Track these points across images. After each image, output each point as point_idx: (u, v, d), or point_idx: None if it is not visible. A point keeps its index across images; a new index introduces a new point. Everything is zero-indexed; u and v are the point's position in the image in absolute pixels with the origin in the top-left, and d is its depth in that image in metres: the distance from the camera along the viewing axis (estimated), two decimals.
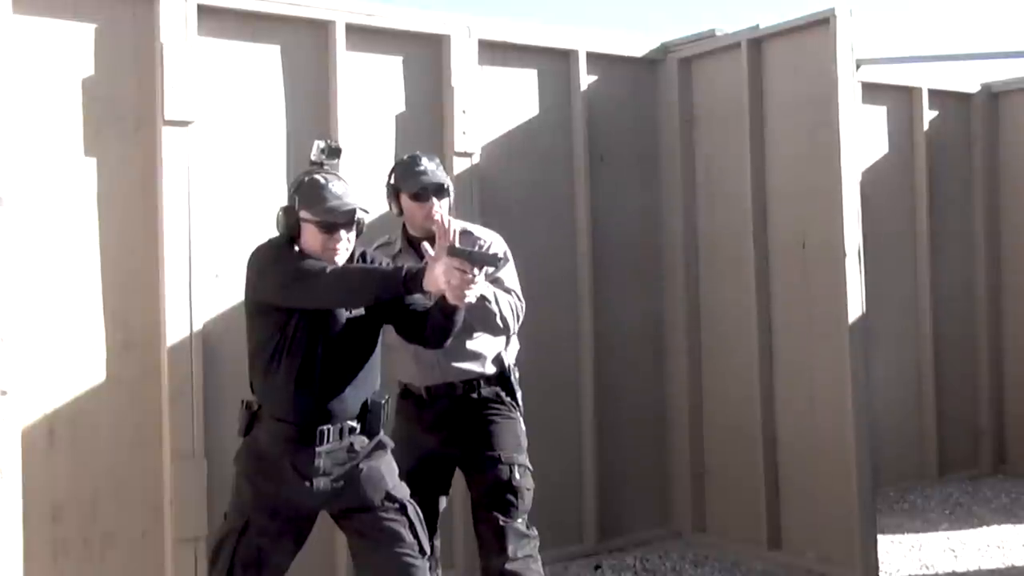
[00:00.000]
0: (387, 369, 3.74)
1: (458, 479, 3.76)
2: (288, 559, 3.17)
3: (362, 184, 4.40)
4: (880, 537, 4.89)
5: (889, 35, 14.80)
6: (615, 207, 5.33)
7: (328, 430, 3.07)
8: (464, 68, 4.77)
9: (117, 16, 3.96)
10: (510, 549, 3.43)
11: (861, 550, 4.67)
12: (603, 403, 5.20)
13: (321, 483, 3.08)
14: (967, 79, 6.83)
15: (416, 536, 3.13)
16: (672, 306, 5.47)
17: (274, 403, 3.09)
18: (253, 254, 3.14)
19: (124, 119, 3.96)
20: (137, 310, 3.96)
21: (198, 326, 4.03)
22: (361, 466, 3.13)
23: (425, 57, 4.73)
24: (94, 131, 3.90)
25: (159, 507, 3.98)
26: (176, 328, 3.98)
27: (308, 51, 4.40)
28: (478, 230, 3.69)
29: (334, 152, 3.20)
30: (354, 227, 3.11)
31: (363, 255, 3.25)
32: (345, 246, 3.09)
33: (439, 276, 2.81)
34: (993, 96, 6.88)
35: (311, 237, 3.06)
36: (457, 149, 4.73)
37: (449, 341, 3.15)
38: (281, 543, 3.12)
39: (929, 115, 6.62)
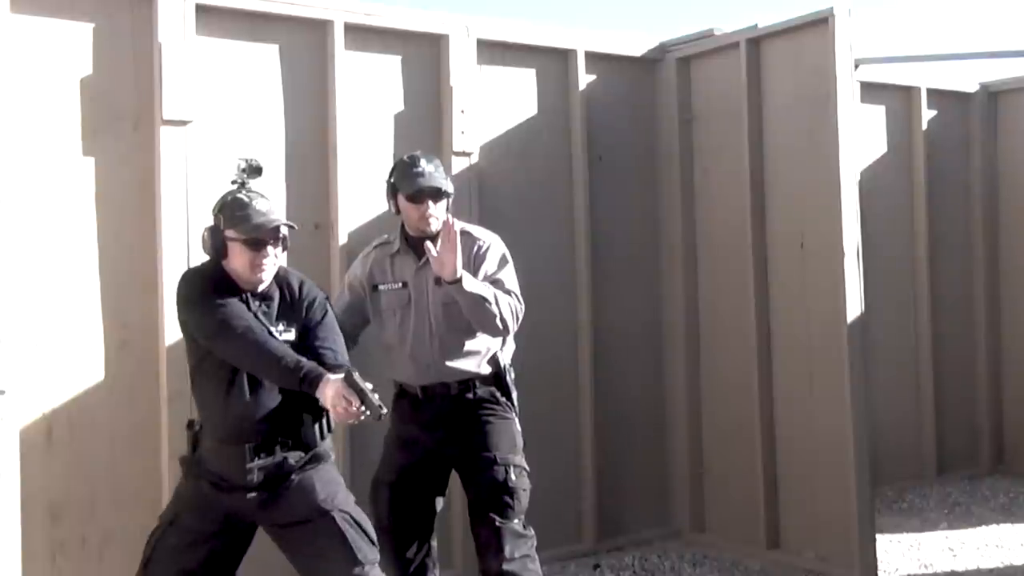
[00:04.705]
0: (384, 369, 3.76)
1: (455, 479, 3.76)
2: (219, 566, 3.19)
3: (360, 183, 4.42)
4: (879, 536, 4.89)
5: (888, 35, 14.81)
6: (613, 206, 5.33)
7: (260, 446, 3.11)
8: (463, 68, 4.77)
9: (115, 15, 3.95)
10: (507, 550, 3.44)
11: (860, 549, 4.67)
12: (602, 403, 5.20)
13: (253, 495, 3.12)
14: (966, 79, 6.83)
15: (348, 546, 3.11)
16: (670, 305, 5.47)
17: (209, 421, 3.18)
18: (181, 282, 3.22)
19: (122, 119, 3.96)
20: (135, 310, 3.96)
21: None
22: (293, 478, 3.15)
23: (424, 57, 4.72)
24: (92, 131, 3.90)
25: (157, 506, 3.95)
26: (174, 328, 3.95)
27: (307, 51, 4.40)
28: (477, 231, 3.69)
29: (255, 171, 3.26)
30: (280, 243, 3.17)
31: (302, 285, 3.28)
32: (272, 262, 3.15)
33: (328, 396, 2.94)
34: (992, 96, 6.88)
35: (238, 256, 3.12)
36: (456, 148, 4.72)
37: None
38: (203, 547, 3.14)
39: (928, 115, 6.62)
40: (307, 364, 3.01)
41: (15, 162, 3.63)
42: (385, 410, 2.98)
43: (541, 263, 5.01)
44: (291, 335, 3.18)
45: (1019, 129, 6.78)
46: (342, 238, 4.40)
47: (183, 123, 4.00)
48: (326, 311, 3.28)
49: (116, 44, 3.95)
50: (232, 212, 3.13)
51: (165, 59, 3.95)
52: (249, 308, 3.12)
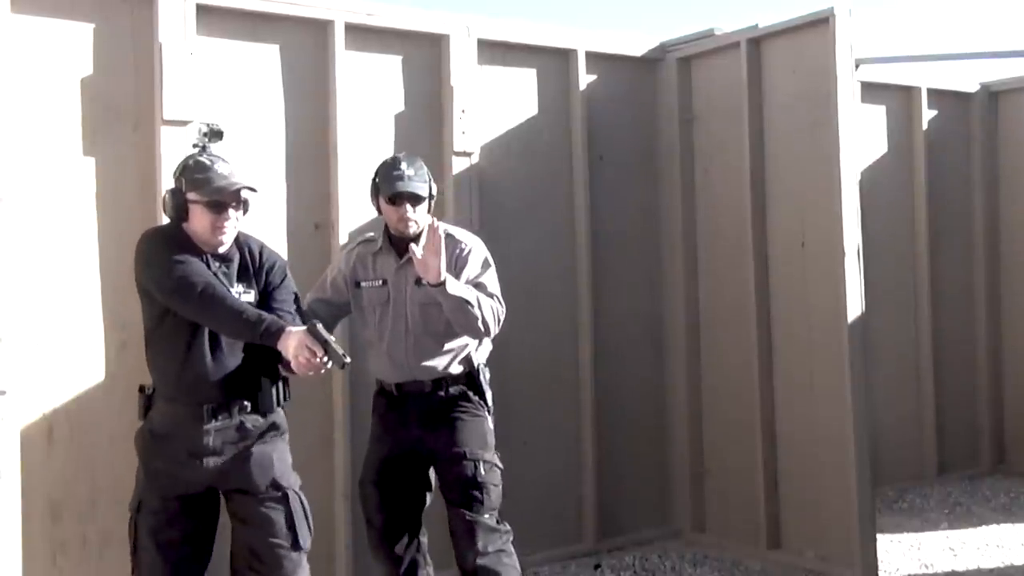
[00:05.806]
0: (365, 366, 3.78)
1: None
2: (198, 537, 3.22)
3: (360, 183, 4.41)
4: (879, 536, 4.89)
5: (888, 34, 14.82)
6: (614, 206, 5.33)
7: (217, 408, 3.13)
8: (463, 68, 4.77)
9: (115, 15, 3.95)
10: (479, 544, 3.49)
11: (860, 549, 4.67)
12: (602, 402, 5.20)
13: (210, 461, 3.14)
14: (966, 79, 6.84)
15: (293, 528, 3.16)
16: (671, 305, 5.47)
17: (164, 383, 3.18)
18: (141, 239, 3.23)
19: (123, 119, 3.96)
20: (135, 310, 3.92)
21: None
22: (253, 448, 3.18)
23: (424, 57, 4.72)
24: (92, 131, 3.90)
25: None
26: None
27: (307, 50, 4.40)
28: (460, 233, 3.72)
29: (216, 135, 3.29)
30: (241, 206, 3.19)
31: (262, 249, 3.30)
32: (233, 225, 3.18)
33: (290, 347, 2.96)
34: (992, 96, 6.88)
35: (199, 218, 3.14)
36: (456, 148, 4.73)
37: None
38: (176, 523, 3.18)
39: (928, 114, 6.62)
40: (268, 317, 3.04)
41: (15, 162, 3.63)
42: (349, 359, 3.01)
43: (542, 263, 5.02)
44: (250, 297, 3.21)
45: (1019, 129, 6.78)
46: (342, 238, 4.40)
47: (183, 123, 3.99)
48: (285, 275, 3.33)
49: (116, 44, 3.95)
50: (193, 175, 3.15)
51: (165, 59, 3.95)
52: (209, 268, 3.14)
